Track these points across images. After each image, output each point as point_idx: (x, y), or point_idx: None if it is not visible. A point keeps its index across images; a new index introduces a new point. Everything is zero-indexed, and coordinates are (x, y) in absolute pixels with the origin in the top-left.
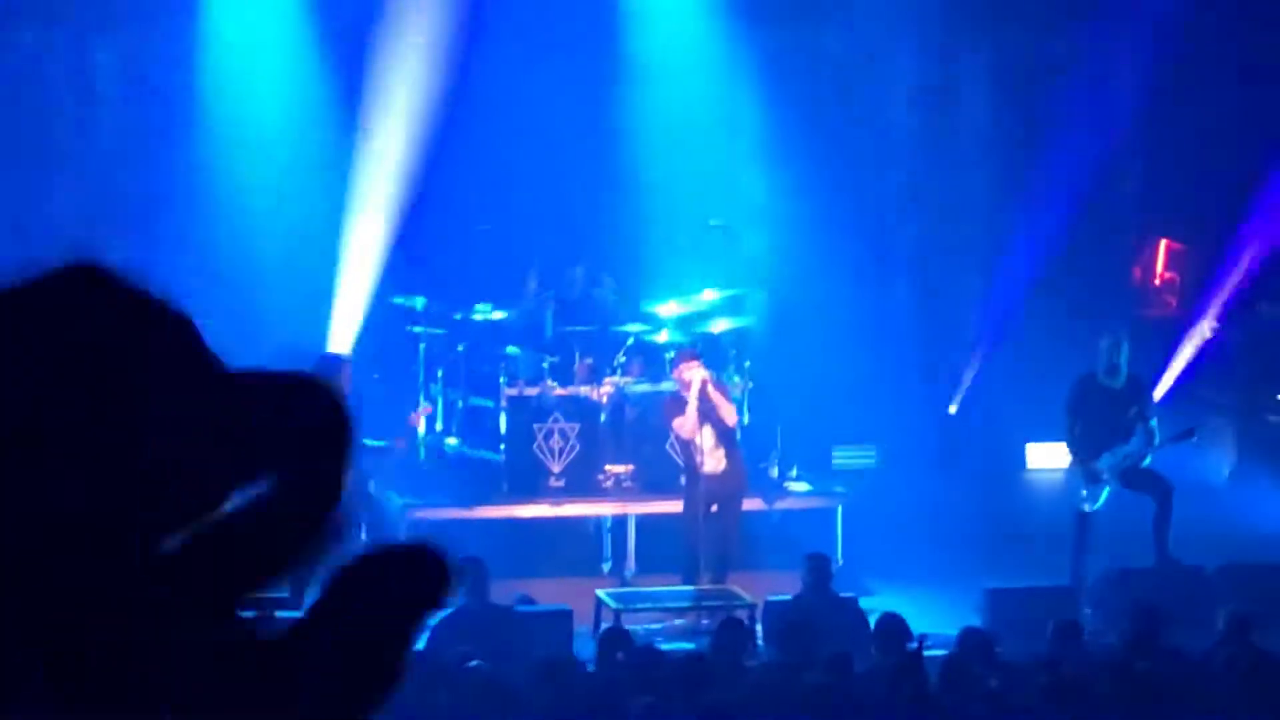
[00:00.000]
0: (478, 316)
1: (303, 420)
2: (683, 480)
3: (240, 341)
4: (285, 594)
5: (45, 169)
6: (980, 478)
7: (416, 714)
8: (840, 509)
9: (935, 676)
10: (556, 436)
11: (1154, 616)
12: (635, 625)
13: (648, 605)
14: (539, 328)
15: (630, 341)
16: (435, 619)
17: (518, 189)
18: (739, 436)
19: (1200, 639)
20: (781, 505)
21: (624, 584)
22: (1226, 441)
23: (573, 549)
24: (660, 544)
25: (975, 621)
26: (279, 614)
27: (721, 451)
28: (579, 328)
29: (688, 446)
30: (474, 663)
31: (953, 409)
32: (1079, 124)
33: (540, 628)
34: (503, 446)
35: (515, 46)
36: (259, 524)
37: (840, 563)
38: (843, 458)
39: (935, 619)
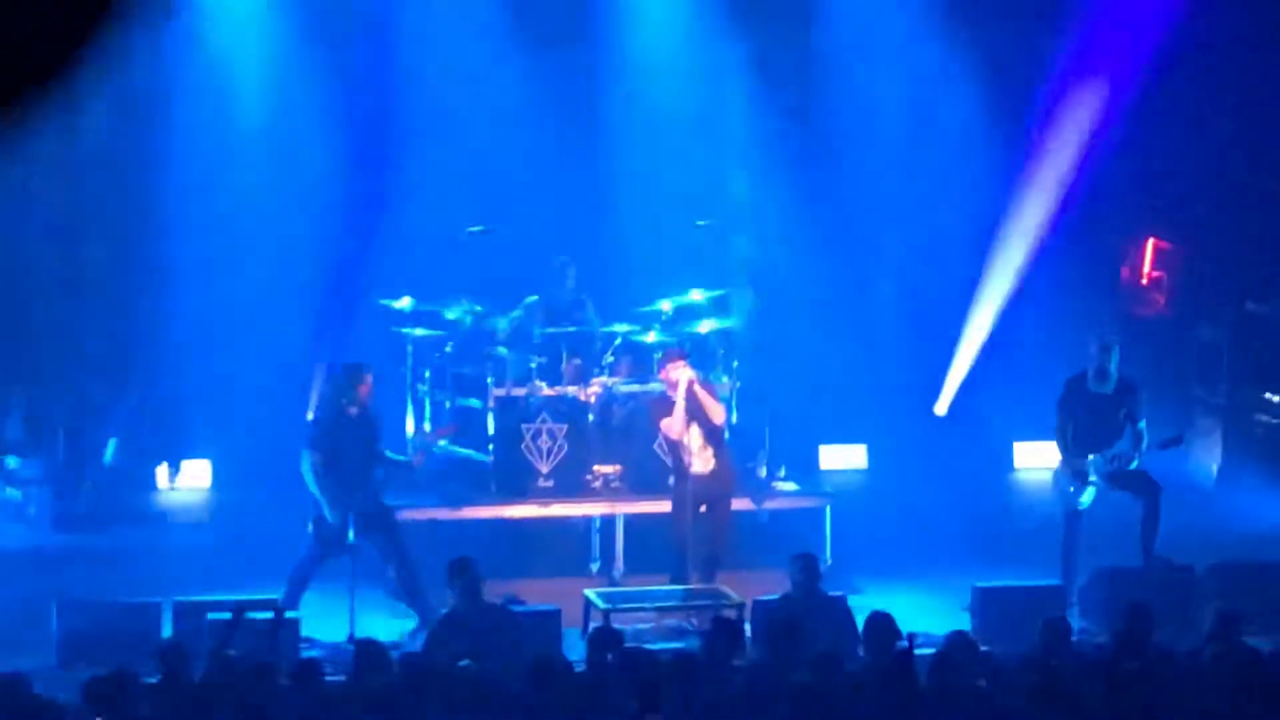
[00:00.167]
0: (465, 317)
1: None
2: (671, 480)
3: (231, 341)
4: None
5: (28, 171)
6: (968, 477)
7: (408, 714)
8: (828, 508)
9: (924, 675)
10: (545, 437)
11: (1143, 615)
12: (624, 625)
13: (636, 605)
14: (526, 328)
15: (618, 342)
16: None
17: (505, 190)
18: (727, 436)
19: (1189, 638)
20: (770, 505)
21: (612, 584)
22: (1214, 441)
23: (561, 549)
24: (649, 544)
25: (964, 620)
26: (271, 616)
27: (710, 451)
28: (567, 329)
29: (676, 447)
30: (464, 663)
31: (940, 409)
32: (1067, 123)
33: (529, 628)
34: (491, 447)
35: (504, 47)
36: None
37: (829, 562)
38: (831, 457)
39: (924, 618)
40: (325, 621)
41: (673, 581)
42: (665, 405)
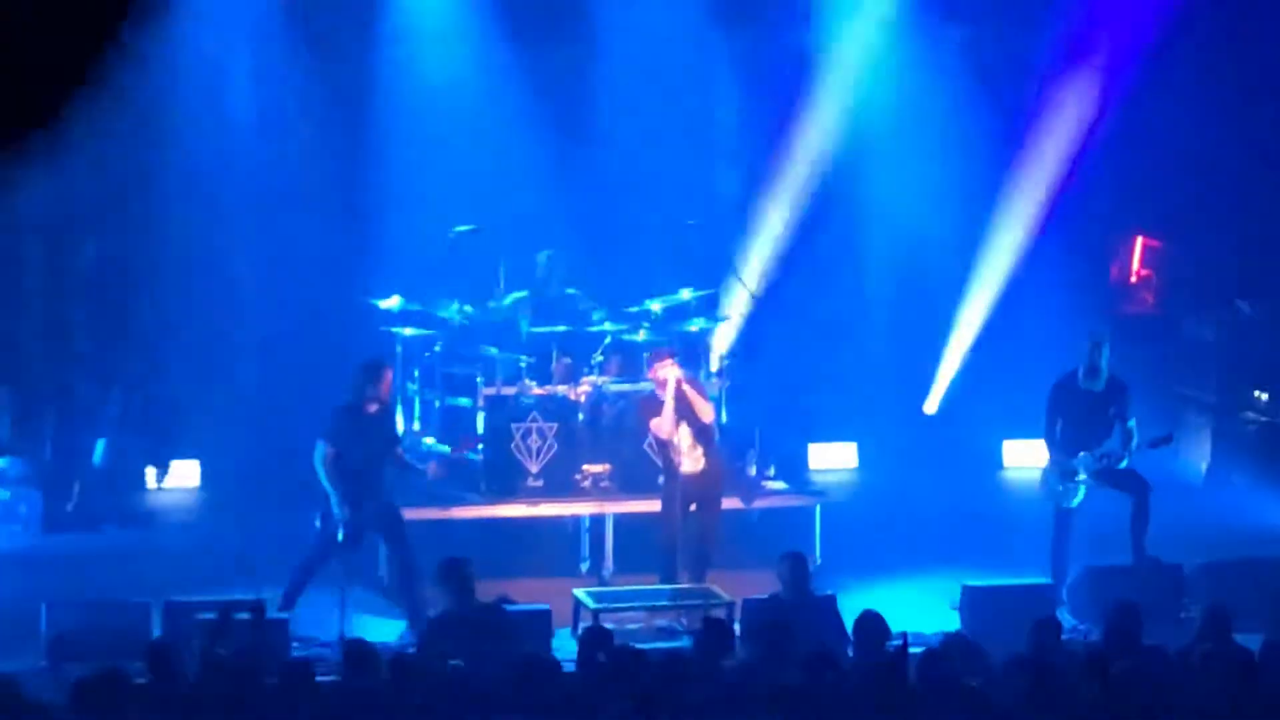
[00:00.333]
0: (454, 316)
1: None
2: (661, 480)
3: (220, 341)
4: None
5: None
6: (958, 476)
7: (397, 715)
8: (818, 507)
9: (914, 674)
10: (534, 436)
11: (1132, 614)
12: (614, 625)
13: (626, 605)
14: (515, 327)
15: (608, 340)
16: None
17: (495, 189)
18: (717, 436)
19: (1178, 636)
20: (760, 504)
21: (602, 584)
22: (1203, 440)
23: (551, 549)
24: (638, 543)
25: (953, 619)
26: (261, 616)
27: (699, 451)
28: (557, 328)
29: (665, 446)
30: (454, 662)
31: (930, 408)
32: (1055, 120)
33: (519, 628)
34: (480, 446)
35: (490, 45)
36: None
37: (818, 561)
38: (821, 456)
39: (914, 617)
40: (316, 621)
41: (662, 581)
42: (655, 404)
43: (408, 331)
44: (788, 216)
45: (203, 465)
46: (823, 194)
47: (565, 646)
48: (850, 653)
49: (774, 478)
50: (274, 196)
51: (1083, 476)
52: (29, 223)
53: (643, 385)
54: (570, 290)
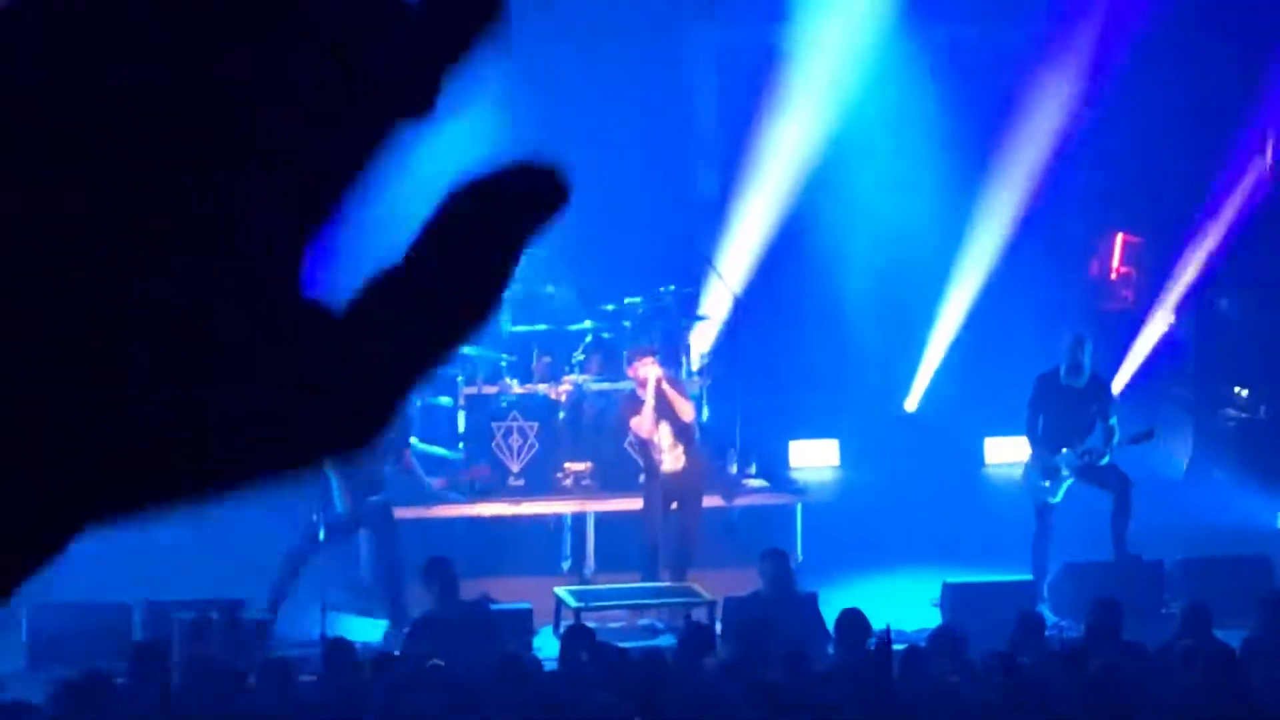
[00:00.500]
0: None
1: None
2: (642, 478)
3: None
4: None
5: None
6: (939, 473)
7: (379, 714)
8: (799, 505)
9: (897, 671)
10: (515, 435)
11: (1113, 610)
12: (595, 623)
13: (607, 603)
14: (495, 325)
15: (588, 339)
16: (412, 620)
17: None
18: (698, 434)
19: (1158, 632)
20: (741, 502)
21: (583, 582)
22: (1184, 436)
23: (532, 548)
24: (620, 542)
25: (934, 616)
26: (245, 616)
27: (680, 449)
28: (537, 326)
29: (646, 445)
30: (433, 661)
31: (911, 405)
32: (1035, 117)
33: (500, 626)
34: (461, 445)
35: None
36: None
37: (799, 559)
38: (802, 454)
39: (895, 614)
40: (296, 621)
41: (643, 580)
42: (635, 403)
43: None
44: (768, 214)
45: None
46: (803, 191)
47: (547, 645)
48: (831, 650)
49: (755, 476)
50: None
51: (1065, 473)
52: None
53: (623, 384)
54: (549, 289)
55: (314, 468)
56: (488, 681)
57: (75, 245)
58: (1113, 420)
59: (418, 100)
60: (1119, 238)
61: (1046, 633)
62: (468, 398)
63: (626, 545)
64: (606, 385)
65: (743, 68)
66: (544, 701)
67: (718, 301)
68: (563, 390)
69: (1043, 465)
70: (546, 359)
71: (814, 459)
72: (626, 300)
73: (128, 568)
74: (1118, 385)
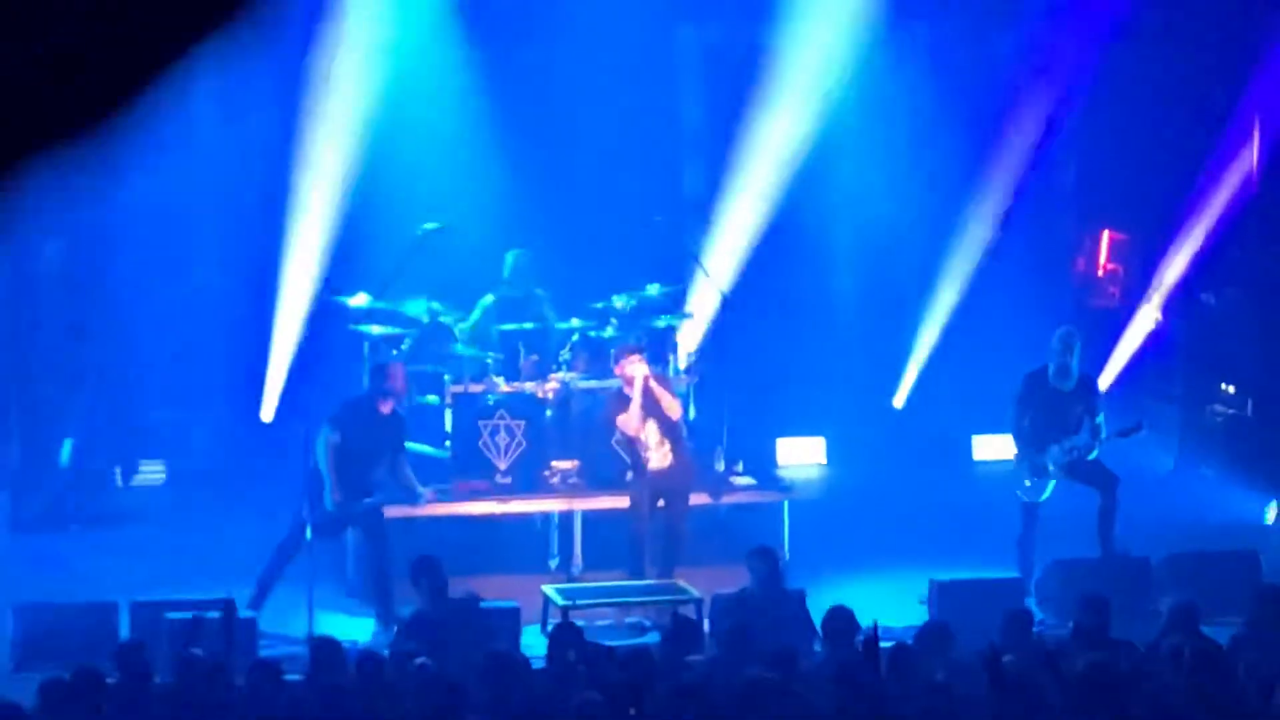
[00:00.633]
0: (420, 314)
1: None
2: (629, 476)
3: (187, 340)
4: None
5: None
6: (927, 470)
7: (366, 714)
8: (787, 503)
9: (884, 669)
10: (502, 433)
11: (1100, 607)
12: (583, 621)
13: (595, 601)
14: (484, 328)
15: (575, 338)
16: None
17: (461, 187)
18: (685, 432)
19: (1146, 629)
20: (728, 500)
21: (571, 580)
22: (1170, 432)
23: (519, 546)
24: (607, 540)
25: (922, 614)
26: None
27: (667, 447)
28: (524, 325)
29: (633, 443)
30: (420, 660)
31: (898, 402)
32: (1020, 115)
33: (488, 625)
34: (448, 443)
35: (456, 44)
36: None
37: (787, 556)
38: (789, 451)
39: (883, 611)
40: (283, 620)
41: (630, 577)
42: (622, 401)
43: (375, 329)
44: (754, 212)
45: (170, 464)
46: (789, 189)
47: (534, 643)
48: (819, 648)
49: (742, 473)
50: (239, 196)
51: (1051, 471)
52: None
53: (610, 382)
54: (539, 290)
55: None
56: (476, 680)
57: None
58: (1099, 418)
59: None
60: (1105, 235)
61: (1034, 630)
62: (455, 396)
63: (614, 543)
64: (594, 384)
65: (730, 66)
66: (532, 700)
67: (705, 299)
68: (550, 388)
69: (1029, 464)
70: (534, 358)
71: (801, 456)
72: (614, 298)
73: (112, 568)
74: (1105, 382)
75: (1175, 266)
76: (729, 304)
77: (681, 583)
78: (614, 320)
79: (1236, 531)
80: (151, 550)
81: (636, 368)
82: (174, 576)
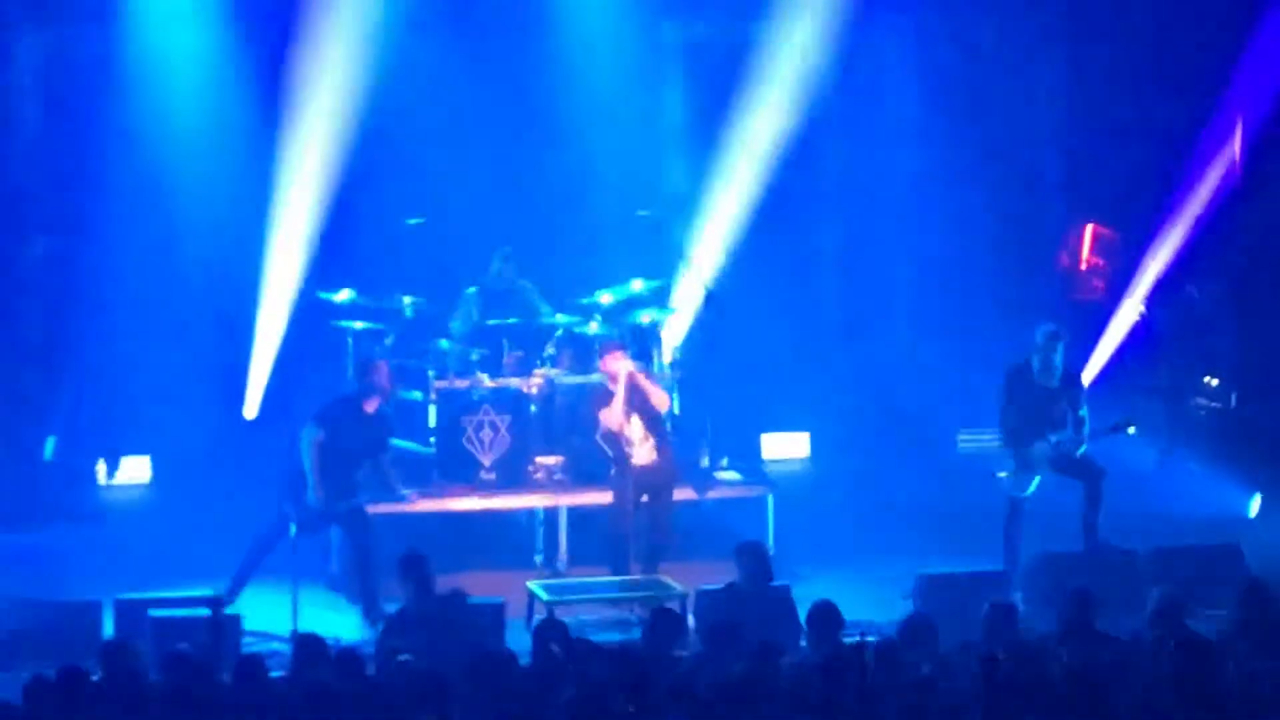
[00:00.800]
0: (405, 310)
1: None
2: (613, 472)
3: (170, 335)
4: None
5: None
6: (912, 464)
7: (351, 710)
8: (771, 497)
9: (868, 662)
10: (487, 429)
11: (1085, 600)
12: (568, 617)
13: (579, 597)
14: (467, 320)
15: (559, 333)
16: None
17: (444, 183)
18: (669, 426)
19: (1131, 622)
20: (713, 495)
21: (556, 576)
22: (1155, 426)
23: (504, 541)
24: (592, 536)
25: (907, 608)
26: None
27: (651, 442)
28: (508, 320)
29: (616, 438)
30: (403, 656)
31: (878, 398)
32: (1004, 110)
33: (473, 621)
34: (433, 440)
35: (439, 39)
36: None
37: (772, 551)
38: (773, 446)
39: (868, 605)
40: (268, 617)
41: (613, 573)
42: (605, 396)
43: (359, 325)
44: (738, 207)
45: (154, 461)
46: (774, 184)
47: (519, 640)
48: (804, 643)
49: (727, 468)
50: (224, 192)
51: (1037, 466)
52: None
53: (595, 377)
54: (524, 282)
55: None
56: (461, 676)
57: None
58: (1083, 411)
59: None
60: (1090, 229)
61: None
62: (439, 392)
63: (599, 539)
64: (577, 379)
65: (714, 61)
66: (517, 695)
67: (689, 295)
68: (534, 384)
69: (1015, 457)
70: (517, 353)
71: (786, 451)
72: (598, 294)
73: (96, 565)
74: (1089, 376)
75: (1159, 260)
76: (713, 299)
77: (666, 578)
78: (598, 316)
79: (1220, 525)
80: (135, 547)
81: (621, 364)
82: (157, 573)
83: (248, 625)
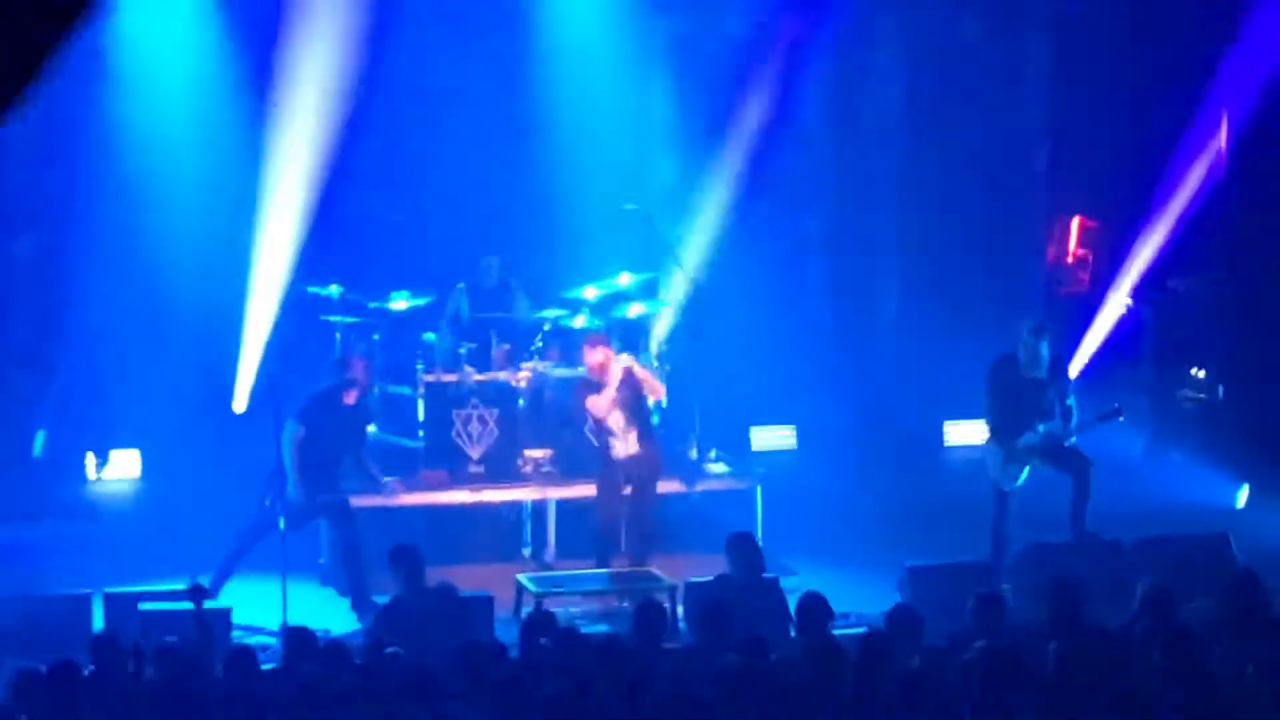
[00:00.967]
0: (393, 305)
1: None
2: (600, 463)
3: (158, 330)
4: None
5: None
6: (899, 456)
7: (341, 702)
8: (759, 490)
9: (855, 655)
10: (475, 422)
11: (1072, 591)
12: (556, 609)
13: (568, 589)
14: (455, 314)
15: (547, 327)
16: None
17: (432, 177)
18: (656, 419)
19: (1118, 612)
20: (701, 487)
21: (544, 568)
22: (1141, 418)
23: (493, 534)
24: (580, 528)
25: (896, 599)
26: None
27: (634, 434)
28: (496, 314)
29: (601, 429)
30: (390, 649)
31: (864, 391)
32: (990, 102)
33: (462, 613)
34: (421, 433)
35: (426, 35)
36: None
37: (760, 544)
38: (761, 438)
39: (856, 597)
40: (258, 609)
41: (597, 565)
42: (590, 386)
43: (347, 319)
44: (726, 200)
45: (143, 455)
46: (760, 177)
47: (508, 632)
48: (793, 634)
49: (715, 460)
50: (212, 186)
51: (1025, 458)
52: None
53: (582, 370)
54: (512, 281)
55: None
56: (451, 668)
57: None
58: (1070, 401)
59: None
60: (1076, 221)
61: (1005, 614)
62: (427, 385)
63: (587, 531)
64: (566, 373)
65: (701, 56)
66: (506, 687)
67: (676, 288)
68: (522, 377)
69: (1003, 450)
70: (505, 347)
71: (774, 443)
72: (585, 288)
73: (85, 559)
74: (1076, 368)
75: (1145, 253)
76: (701, 292)
77: (654, 570)
78: (585, 310)
79: (1208, 515)
80: (125, 541)
81: (620, 361)
82: (148, 567)
83: (237, 619)
